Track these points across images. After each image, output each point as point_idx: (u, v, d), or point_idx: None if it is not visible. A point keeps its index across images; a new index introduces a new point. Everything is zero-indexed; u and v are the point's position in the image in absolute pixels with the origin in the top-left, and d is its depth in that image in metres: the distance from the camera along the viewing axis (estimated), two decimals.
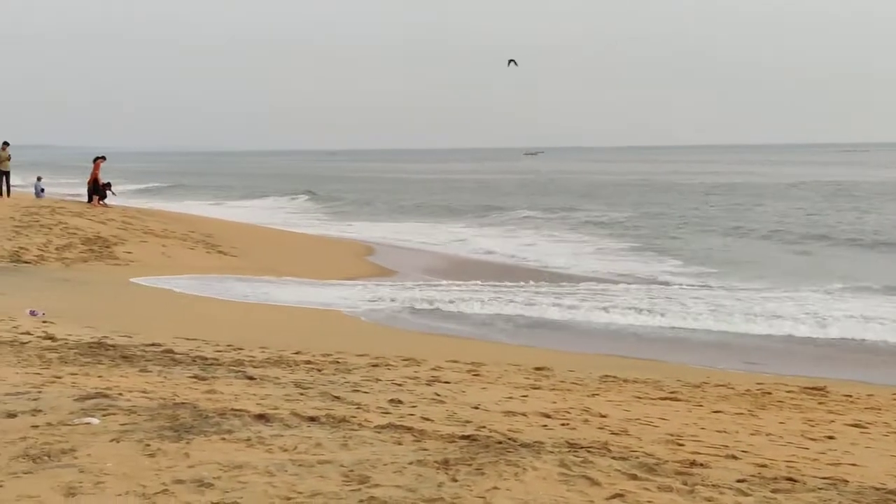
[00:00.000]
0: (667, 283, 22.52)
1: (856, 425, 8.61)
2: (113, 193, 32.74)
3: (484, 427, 7.49)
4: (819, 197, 55.38)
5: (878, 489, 5.83)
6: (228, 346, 11.84)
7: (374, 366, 10.88)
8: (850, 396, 10.20)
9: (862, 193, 57.07)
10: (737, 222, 39.75)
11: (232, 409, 7.45)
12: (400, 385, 9.56)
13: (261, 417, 7.19)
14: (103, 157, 32.69)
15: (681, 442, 7.37)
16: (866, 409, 9.59)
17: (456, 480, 5.57)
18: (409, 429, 7.12)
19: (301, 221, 43.21)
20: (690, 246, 31.51)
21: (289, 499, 5.26)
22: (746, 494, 5.53)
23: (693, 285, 21.99)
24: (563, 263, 27.48)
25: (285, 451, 6.24)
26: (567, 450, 6.54)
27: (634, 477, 5.78)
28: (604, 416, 8.39)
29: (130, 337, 12.17)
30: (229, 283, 20.99)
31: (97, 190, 31.57)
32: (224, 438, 6.45)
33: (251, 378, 9.46)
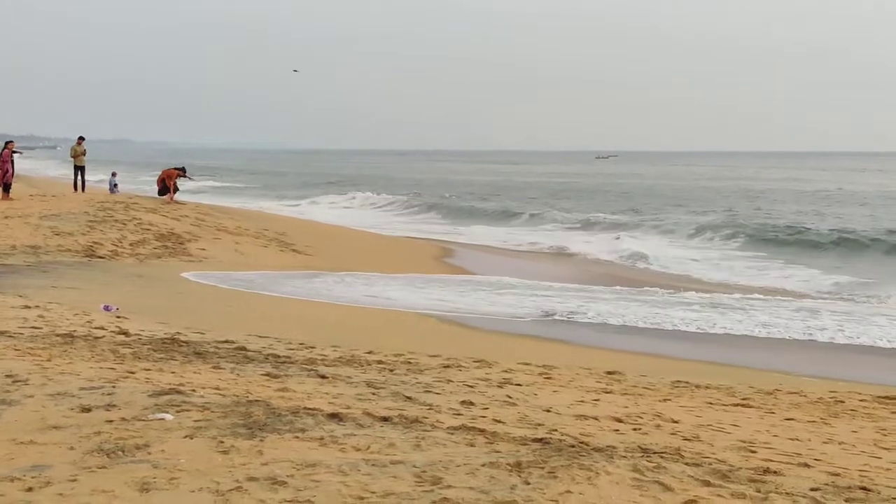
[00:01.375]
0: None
1: None
2: (190, 178, 33.16)
3: (556, 430, 7.49)
4: None
5: None
6: (301, 344, 11.97)
7: (445, 367, 10.93)
8: None
9: None
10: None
11: (304, 408, 7.55)
12: (471, 387, 9.60)
13: (334, 416, 7.27)
14: (182, 169, 33.01)
15: (753, 449, 7.31)
16: None
17: (528, 483, 5.60)
18: (482, 431, 7.15)
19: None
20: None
21: (362, 498, 5.32)
22: (820, 502, 5.49)
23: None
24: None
25: (358, 450, 6.30)
26: (640, 455, 6.53)
27: (707, 483, 5.76)
28: (676, 422, 8.35)
29: (203, 333, 12.37)
30: (301, 280, 21.25)
31: (166, 188, 32.04)
32: (297, 437, 6.53)
33: (323, 377, 9.56)
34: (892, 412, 9.77)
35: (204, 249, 24.63)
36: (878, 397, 10.49)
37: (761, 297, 21.37)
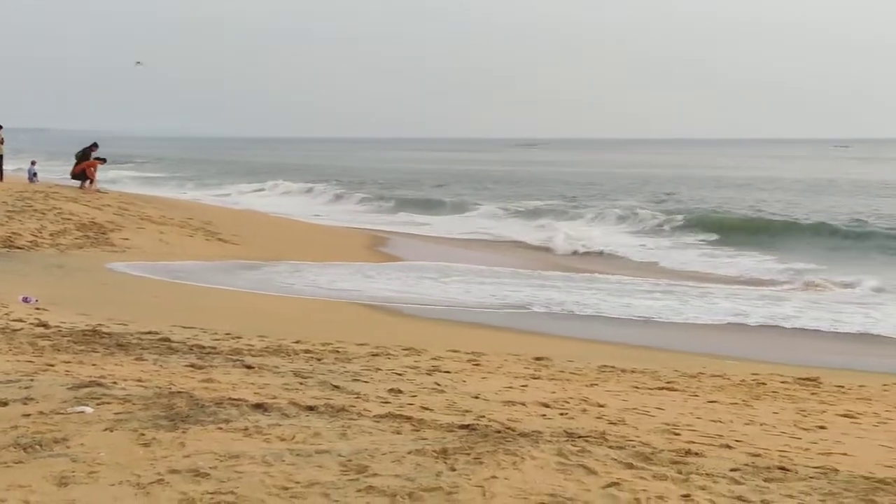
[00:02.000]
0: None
1: (847, 415, 8.68)
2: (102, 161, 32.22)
3: (483, 416, 7.53)
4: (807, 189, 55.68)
5: (867, 478, 5.88)
6: (227, 334, 11.85)
7: (374, 355, 10.91)
8: (842, 387, 10.26)
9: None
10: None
11: (229, 399, 7.47)
12: (400, 374, 9.60)
13: (258, 407, 7.20)
14: (100, 159, 32.15)
15: (677, 431, 7.42)
16: (858, 399, 9.66)
17: (454, 470, 5.61)
18: (409, 418, 7.14)
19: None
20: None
21: (286, 488, 5.29)
22: (739, 483, 5.58)
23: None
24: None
25: (283, 440, 6.26)
26: (565, 439, 6.58)
27: (630, 466, 5.83)
28: (602, 406, 8.45)
29: (126, 325, 12.18)
30: (228, 270, 21.04)
31: (83, 176, 31.22)
32: (221, 428, 6.46)
33: (249, 367, 9.49)
34: (812, 393, 10.00)
35: (127, 239, 24.23)
36: (799, 379, 10.71)
37: (694, 283, 21.74)
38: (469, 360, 10.92)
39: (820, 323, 16.38)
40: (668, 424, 7.70)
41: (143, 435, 6.21)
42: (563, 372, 10.56)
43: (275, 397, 7.80)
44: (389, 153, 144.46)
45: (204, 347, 10.73)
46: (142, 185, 54.68)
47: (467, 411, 7.76)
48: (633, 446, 6.48)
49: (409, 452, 5.94)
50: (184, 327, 12.26)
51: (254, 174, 69.43)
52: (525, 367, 10.74)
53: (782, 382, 10.51)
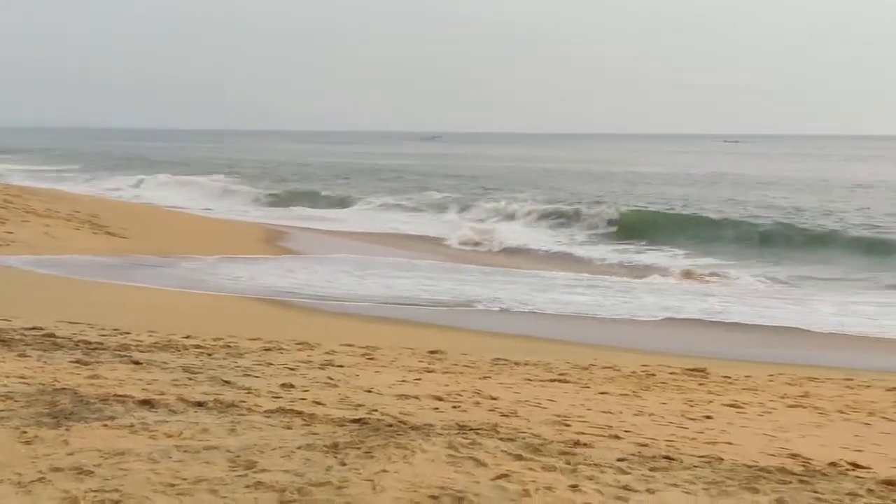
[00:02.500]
0: None
1: (733, 405, 8.90)
2: None
3: (376, 410, 7.51)
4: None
5: (749, 466, 6.06)
6: (115, 329, 11.58)
7: (266, 350, 10.80)
8: (729, 378, 10.52)
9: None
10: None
11: (115, 395, 7.32)
12: (292, 369, 9.51)
13: (145, 403, 7.08)
14: None
15: (567, 423, 7.52)
16: (744, 389, 9.91)
17: (345, 464, 5.60)
18: (300, 413, 7.10)
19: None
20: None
21: (172, 485, 5.21)
22: (626, 473, 5.69)
23: None
24: None
25: (170, 437, 6.17)
26: (456, 432, 6.62)
27: (520, 457, 5.89)
28: (494, 399, 8.51)
29: (10, 321, 11.80)
30: (117, 264, 20.59)
31: None
32: (106, 425, 6.34)
33: (137, 363, 9.29)
34: (700, 384, 10.23)
35: (11, 233, 23.49)
36: (687, 369, 10.95)
37: (591, 275, 22.06)
38: (363, 355, 10.89)
39: (710, 314, 16.78)
40: (558, 416, 7.79)
41: (24, 433, 6.05)
42: (456, 365, 10.61)
43: (163, 393, 7.66)
44: (290, 146, 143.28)
45: (90, 343, 10.47)
46: (27, 178, 53.21)
47: (360, 405, 7.73)
48: (524, 438, 6.55)
49: (300, 447, 5.91)
50: (70, 323, 11.94)
51: (148, 167, 68.08)
52: (419, 361, 10.76)
53: (671, 373, 10.73)
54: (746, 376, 10.72)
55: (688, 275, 22.52)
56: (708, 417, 8.24)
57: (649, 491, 5.39)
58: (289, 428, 6.54)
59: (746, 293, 19.91)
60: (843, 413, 8.84)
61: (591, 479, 5.52)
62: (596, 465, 5.81)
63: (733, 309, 17.25)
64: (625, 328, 15.66)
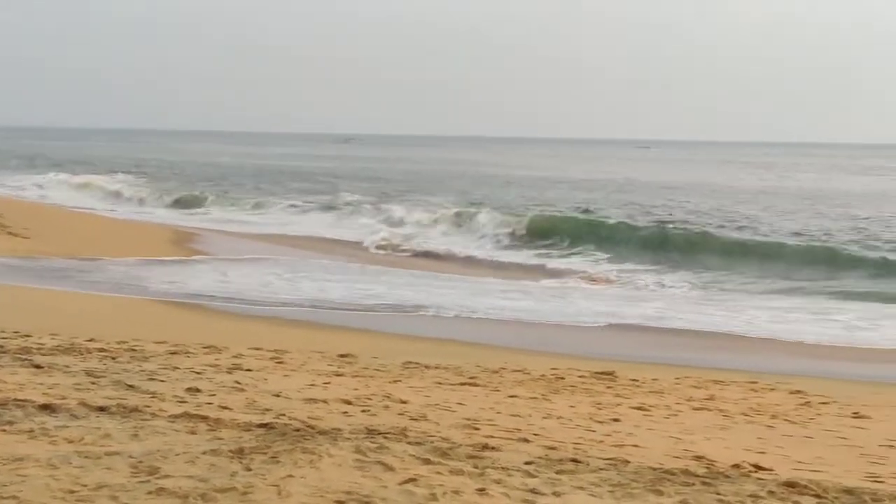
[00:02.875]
0: None
1: (640, 408, 9.02)
2: None
3: (283, 415, 7.44)
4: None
5: (654, 469, 6.14)
6: (15, 332, 11.27)
7: (172, 353, 10.62)
8: (637, 381, 10.64)
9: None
10: None
11: (14, 400, 7.14)
12: (199, 373, 9.37)
13: (46, 408, 6.92)
14: None
15: (476, 426, 7.54)
16: (651, 392, 10.05)
17: (250, 469, 5.54)
18: (205, 418, 7.00)
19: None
20: None
21: (72, 492, 5.10)
22: (533, 476, 5.73)
23: None
24: None
25: (70, 442, 6.04)
26: (364, 436, 6.59)
27: (428, 461, 5.89)
28: (404, 402, 8.49)
29: None
30: (18, 264, 20.06)
31: None
32: (4, 430, 6.20)
33: (38, 366, 9.05)
34: (608, 387, 10.34)
35: None
36: (595, 373, 11.05)
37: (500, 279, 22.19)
38: (272, 358, 10.77)
39: (620, 318, 16.99)
40: (468, 419, 7.81)
41: None
42: (367, 369, 10.56)
43: (64, 398, 7.49)
44: (200, 146, 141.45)
45: None
46: None
47: (267, 410, 7.65)
48: (433, 442, 6.55)
49: (204, 452, 5.82)
50: None
51: (52, 166, 66.50)
52: (329, 365, 10.69)
53: (580, 377, 10.82)
54: (653, 379, 10.86)
55: (592, 278, 22.89)
56: (615, 420, 8.34)
57: (556, 494, 5.43)
58: (194, 433, 6.44)
59: (669, 298, 20.19)
60: (747, 416, 9.03)
61: (498, 482, 5.54)
62: (504, 468, 5.84)
63: (640, 312, 17.52)
64: (529, 330, 15.79)
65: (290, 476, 5.40)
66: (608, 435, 7.63)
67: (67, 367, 9.16)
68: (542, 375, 10.73)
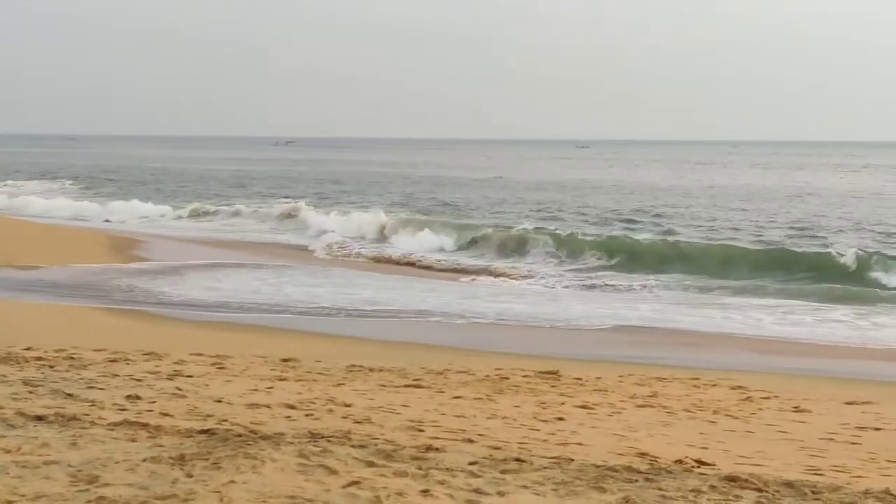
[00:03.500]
0: None
1: (584, 406, 9.08)
2: None
3: (225, 421, 7.37)
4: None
5: (598, 466, 6.18)
6: None
7: (112, 361, 10.46)
8: (581, 379, 10.70)
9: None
10: None
11: None
12: (139, 380, 9.24)
13: None
14: None
15: (421, 428, 7.53)
16: (594, 391, 10.11)
17: (191, 476, 5.47)
18: (145, 425, 6.91)
19: None
20: None
21: (10, 502, 5.02)
22: (477, 476, 5.73)
23: None
24: None
25: (8, 452, 5.92)
26: (307, 440, 6.55)
27: (372, 464, 5.86)
28: (348, 406, 8.46)
29: None
30: None
31: None
32: None
33: None
34: (552, 386, 10.38)
35: None
36: (540, 372, 11.09)
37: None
38: (213, 364, 10.66)
39: (556, 316, 17.06)
40: (413, 421, 7.79)
41: None
42: (310, 373, 10.50)
43: (1, 407, 7.35)
44: (130, 151, 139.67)
45: None
46: None
47: (209, 416, 7.57)
48: (377, 444, 6.53)
49: (145, 460, 5.75)
50: None
51: None
52: (272, 369, 10.60)
53: (524, 376, 10.85)
54: (597, 378, 10.92)
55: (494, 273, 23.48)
56: (560, 419, 8.38)
57: (500, 493, 5.43)
58: (134, 440, 6.35)
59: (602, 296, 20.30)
60: (689, 412, 9.12)
61: (442, 483, 5.53)
62: (448, 469, 5.83)
63: (575, 311, 17.63)
64: (476, 332, 15.81)
65: (232, 482, 5.35)
66: (552, 434, 7.66)
67: (4, 376, 8.98)
68: (487, 376, 10.74)
